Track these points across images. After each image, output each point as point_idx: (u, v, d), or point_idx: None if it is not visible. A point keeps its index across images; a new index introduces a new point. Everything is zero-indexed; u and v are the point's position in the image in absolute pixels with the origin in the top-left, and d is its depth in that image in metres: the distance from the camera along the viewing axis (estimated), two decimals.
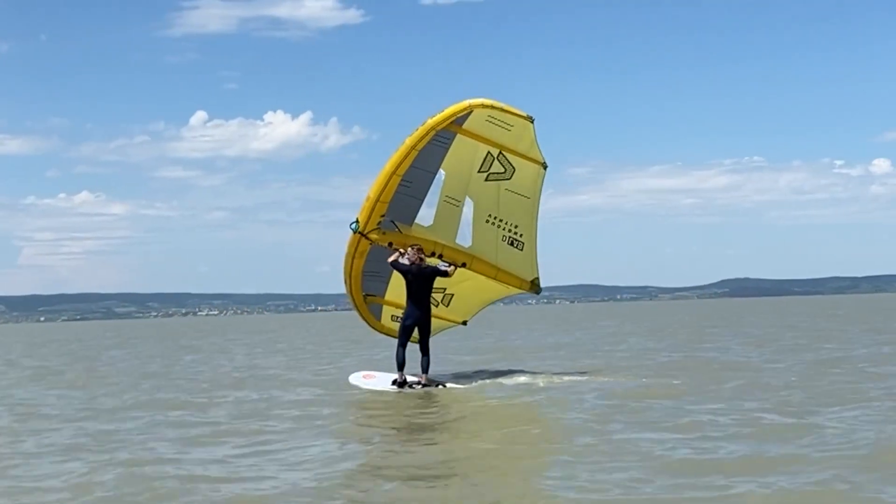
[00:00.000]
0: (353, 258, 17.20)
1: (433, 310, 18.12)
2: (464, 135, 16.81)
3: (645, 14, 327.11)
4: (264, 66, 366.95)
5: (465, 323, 18.96)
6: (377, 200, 16.66)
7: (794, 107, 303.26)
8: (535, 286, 17.98)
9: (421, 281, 16.47)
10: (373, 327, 18.73)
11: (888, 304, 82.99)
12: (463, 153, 17.01)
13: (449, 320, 18.64)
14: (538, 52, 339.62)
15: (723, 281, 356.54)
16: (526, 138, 16.89)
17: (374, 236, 16.82)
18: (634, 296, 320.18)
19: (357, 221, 16.74)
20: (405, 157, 16.48)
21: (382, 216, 16.79)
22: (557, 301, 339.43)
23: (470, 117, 16.53)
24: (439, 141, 16.73)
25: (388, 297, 18.11)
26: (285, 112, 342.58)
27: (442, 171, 17.29)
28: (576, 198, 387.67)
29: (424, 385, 16.74)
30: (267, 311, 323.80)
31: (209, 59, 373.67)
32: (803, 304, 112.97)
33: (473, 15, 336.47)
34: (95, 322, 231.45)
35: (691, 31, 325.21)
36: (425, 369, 16.84)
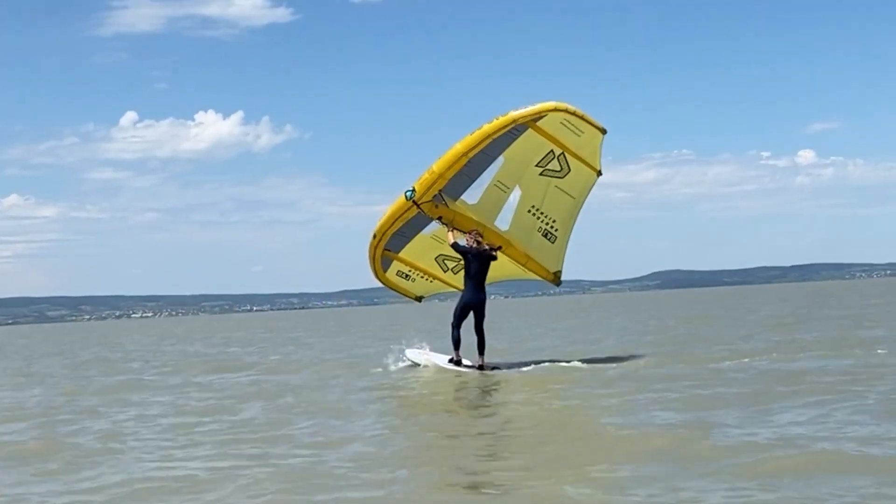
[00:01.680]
0: (395, 223, 18.11)
1: (442, 274, 19.50)
2: (536, 131, 17.41)
3: (570, 11, 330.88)
4: (195, 65, 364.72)
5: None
6: (440, 176, 17.30)
7: (722, 100, 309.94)
8: (556, 277, 18.94)
9: (480, 263, 17.29)
10: (377, 277, 19.58)
11: (835, 291, 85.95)
12: (528, 146, 17.62)
13: (452, 286, 19.51)
14: (468, 49, 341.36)
15: (654, 273, 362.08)
16: (591, 146, 17.60)
17: (426, 207, 17.54)
18: (568, 289, 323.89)
19: (414, 190, 17.38)
20: (480, 142, 17.15)
21: (440, 191, 17.48)
22: (493, 296, 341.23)
23: (547, 117, 17.17)
24: (511, 132, 17.37)
25: (402, 254, 19.14)
26: (217, 112, 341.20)
27: (502, 157, 17.91)
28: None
29: (480, 367, 17.53)
30: (202, 311, 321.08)
31: (139, 58, 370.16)
32: (735, 293, 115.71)
33: (403, 12, 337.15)
34: (27, 326, 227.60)
35: (619, 28, 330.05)
36: (481, 351, 17.60)
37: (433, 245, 19.07)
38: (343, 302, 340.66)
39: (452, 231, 17.59)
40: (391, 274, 19.61)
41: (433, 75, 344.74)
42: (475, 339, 17.59)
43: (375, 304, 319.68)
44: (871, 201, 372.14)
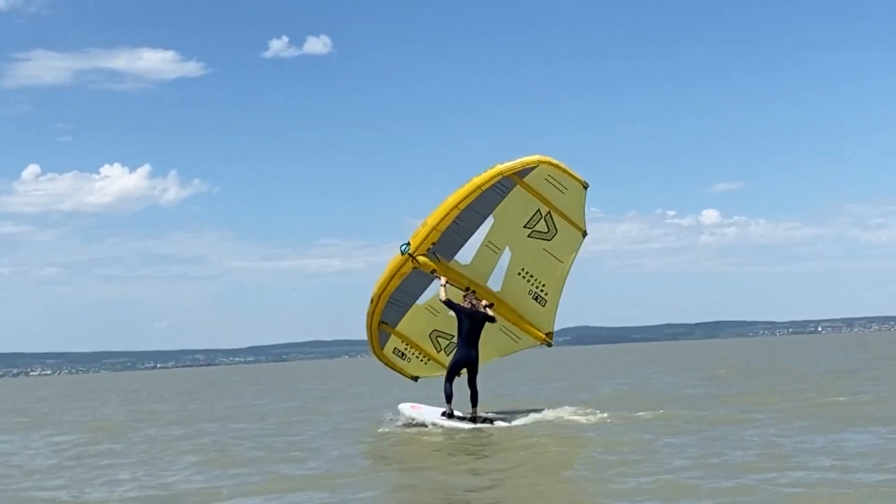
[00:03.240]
0: (392, 279, 18.24)
1: (435, 354, 19.50)
2: (523, 187, 17.86)
3: (477, 69, 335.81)
4: (101, 118, 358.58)
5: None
6: (434, 228, 17.77)
7: (628, 160, 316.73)
8: (548, 338, 19.12)
9: (472, 322, 17.61)
10: (375, 353, 19.66)
11: (745, 349, 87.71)
12: (516, 205, 18.06)
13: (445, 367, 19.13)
14: (381, 100, 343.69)
15: (564, 329, 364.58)
16: (576, 203, 18.05)
17: (422, 259, 17.89)
18: None
19: (409, 244, 17.87)
20: (470, 194, 17.63)
21: (433, 244, 17.89)
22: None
23: (533, 172, 17.68)
24: (499, 188, 17.82)
25: (398, 328, 19.20)
26: (123, 165, 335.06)
27: (492, 217, 18.29)
28: None
29: (473, 419, 17.79)
30: (103, 369, 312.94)
31: (42, 111, 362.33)
32: (641, 350, 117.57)
33: (315, 68, 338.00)
34: None
35: (532, 86, 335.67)
36: (474, 403, 17.94)
37: (428, 318, 19.14)
38: (251, 358, 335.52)
39: (445, 286, 17.85)
40: (388, 351, 19.57)
41: (346, 129, 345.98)
42: (468, 391, 17.93)
43: (284, 360, 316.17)
44: (772, 260, 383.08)
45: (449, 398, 17.92)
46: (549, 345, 19.14)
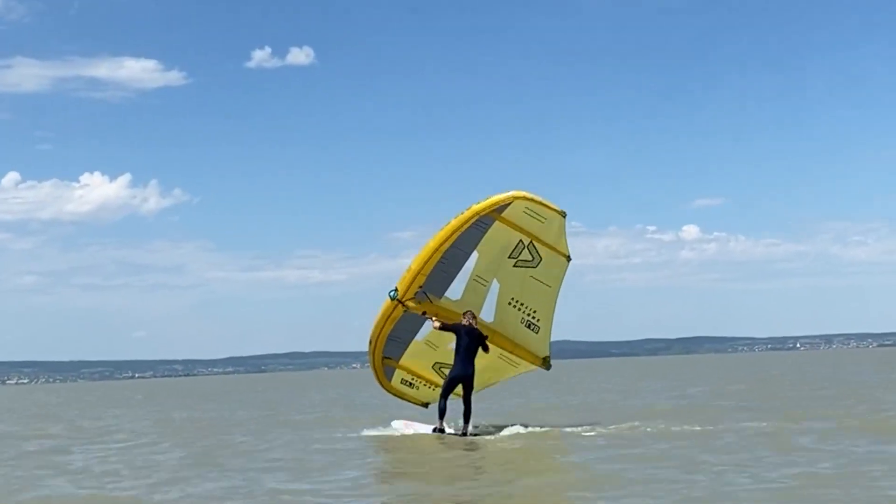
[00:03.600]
0: (385, 324, 18.77)
1: (441, 382, 19.53)
2: (502, 223, 18.26)
3: (459, 83, 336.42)
4: (81, 126, 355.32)
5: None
6: (418, 273, 18.24)
7: (610, 174, 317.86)
8: (546, 362, 19.41)
9: (470, 339, 17.97)
10: (383, 387, 20.22)
11: (726, 363, 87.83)
12: (498, 238, 18.48)
13: (455, 394, 19.47)
14: (363, 112, 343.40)
15: None
16: (556, 231, 18.42)
17: (410, 304, 18.37)
18: None
19: (396, 290, 18.35)
20: (448, 237, 18.05)
21: (420, 287, 18.34)
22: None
23: (510, 207, 18.01)
24: (479, 225, 18.23)
25: (402, 361, 19.66)
26: (103, 174, 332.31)
27: (476, 253, 18.77)
28: (400, 261, 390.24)
29: (463, 434, 18.21)
30: (81, 378, 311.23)
31: (22, 119, 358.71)
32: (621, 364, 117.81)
33: (298, 79, 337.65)
34: None
35: (497, 100, 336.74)
36: (467, 419, 18.30)
37: (428, 352, 19.57)
38: (229, 369, 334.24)
39: (435, 319, 18.32)
40: (396, 382, 20.08)
41: (327, 142, 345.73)
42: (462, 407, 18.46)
43: (263, 371, 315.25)
44: (752, 276, 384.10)
45: (441, 414, 18.43)
46: (548, 368, 19.40)
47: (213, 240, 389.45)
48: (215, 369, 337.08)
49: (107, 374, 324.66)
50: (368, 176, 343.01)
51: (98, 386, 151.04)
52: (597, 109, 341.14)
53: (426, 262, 18.16)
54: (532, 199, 17.97)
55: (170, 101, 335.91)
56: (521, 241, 18.40)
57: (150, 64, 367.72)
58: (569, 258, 18.71)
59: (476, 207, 17.88)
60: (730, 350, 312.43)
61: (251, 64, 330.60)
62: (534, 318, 18.94)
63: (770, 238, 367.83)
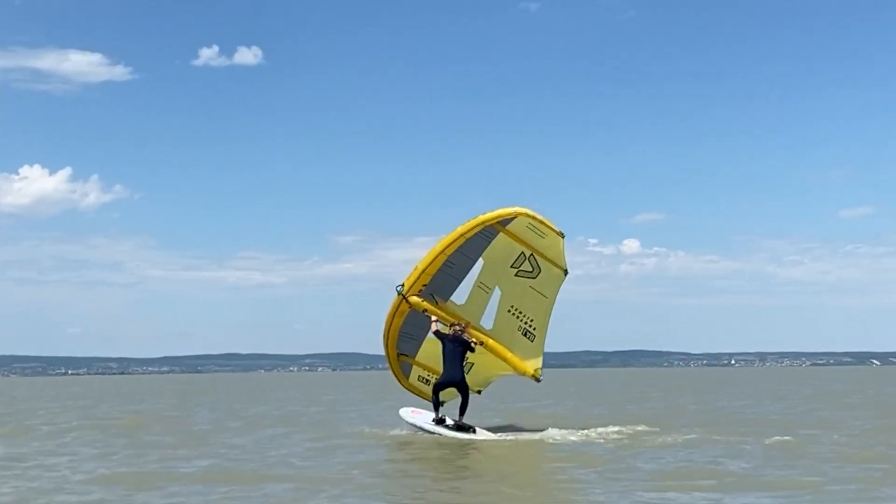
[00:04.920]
0: (394, 317, 20.01)
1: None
2: (506, 234, 19.62)
3: (406, 86, 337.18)
4: (23, 118, 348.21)
5: (479, 392, 21.40)
6: (423, 272, 19.49)
7: (554, 186, 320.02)
8: (536, 374, 20.47)
9: (455, 346, 19.23)
10: (401, 384, 21.50)
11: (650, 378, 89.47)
12: (501, 249, 19.82)
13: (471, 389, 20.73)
14: (308, 119, 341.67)
15: None
16: (555, 248, 19.77)
17: (413, 300, 19.56)
18: None
19: (402, 285, 19.57)
20: (454, 241, 19.35)
21: (424, 286, 19.58)
22: (320, 369, 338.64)
23: (514, 221, 19.37)
24: (484, 234, 19.56)
25: (418, 358, 20.94)
26: (43, 167, 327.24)
27: (481, 260, 20.10)
28: (341, 266, 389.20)
29: (458, 426, 19.43)
30: (13, 373, 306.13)
31: None
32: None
33: (245, 78, 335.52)
34: None
35: (444, 104, 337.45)
36: (462, 412, 19.56)
37: (440, 347, 20.17)
38: (165, 369, 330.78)
39: (435, 321, 19.56)
40: (413, 379, 21.31)
41: (273, 144, 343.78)
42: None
43: (199, 371, 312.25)
44: (690, 292, 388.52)
45: (436, 407, 19.68)
46: (538, 380, 20.46)
47: (154, 237, 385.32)
48: (151, 368, 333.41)
49: (39, 369, 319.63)
50: (312, 178, 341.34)
51: (39, 382, 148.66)
52: (542, 122, 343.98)
53: (431, 263, 19.31)
54: (534, 217, 19.24)
55: (114, 96, 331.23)
56: (522, 252, 19.70)
57: (96, 58, 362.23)
58: (566, 272, 19.95)
59: (482, 217, 19.14)
60: (665, 364, 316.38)
61: (198, 62, 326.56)
62: (531, 326, 20.12)
63: (709, 255, 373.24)
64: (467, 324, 19.55)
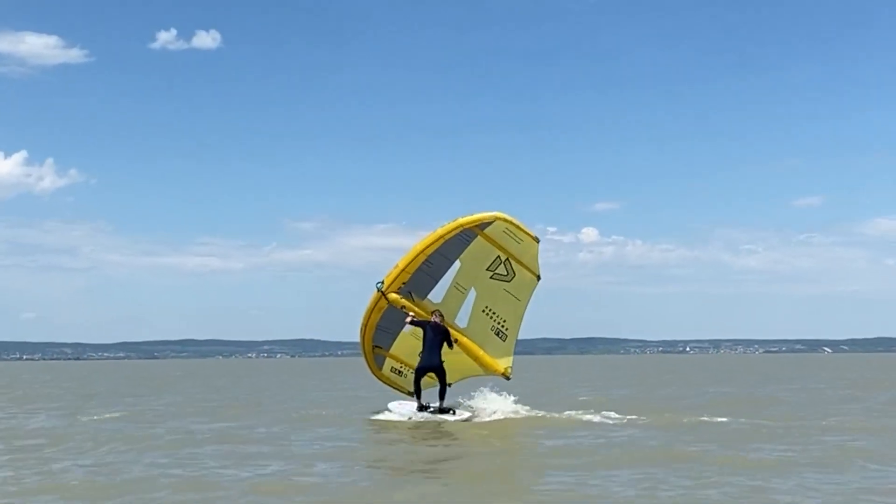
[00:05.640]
0: (372, 312, 20.95)
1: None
2: (483, 238, 20.54)
3: (376, 81, 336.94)
4: None
5: (449, 385, 21.86)
6: (403, 270, 20.41)
7: (512, 175, 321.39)
8: (506, 373, 21.44)
9: (434, 333, 20.15)
10: (374, 374, 22.40)
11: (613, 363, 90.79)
12: (479, 252, 20.75)
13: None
14: (267, 104, 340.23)
15: None
16: (530, 253, 20.76)
17: (392, 297, 20.49)
18: (354, 351, 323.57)
19: (382, 282, 20.46)
20: (433, 242, 20.28)
21: (403, 283, 20.49)
22: (279, 355, 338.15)
23: (492, 225, 20.30)
24: (463, 237, 20.50)
25: (392, 351, 21.91)
26: None
27: (458, 262, 21.02)
28: (301, 252, 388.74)
29: (440, 409, 20.41)
30: None
31: None
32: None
33: (203, 62, 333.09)
34: None
35: (404, 96, 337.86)
36: (441, 397, 20.61)
37: (413, 342, 21.41)
38: (121, 354, 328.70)
39: (410, 315, 20.38)
40: (386, 370, 22.20)
41: (232, 130, 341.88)
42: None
43: (155, 357, 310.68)
44: (646, 280, 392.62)
45: (418, 394, 20.67)
46: (508, 378, 21.46)
47: (110, 222, 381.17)
48: (106, 354, 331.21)
49: None
50: (271, 164, 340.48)
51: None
52: (502, 111, 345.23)
53: (411, 262, 20.23)
54: (511, 222, 20.21)
55: (70, 79, 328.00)
56: (498, 256, 20.65)
57: (52, 40, 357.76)
58: (538, 277, 20.93)
59: (461, 220, 20.08)
60: (622, 351, 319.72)
61: (155, 45, 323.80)
62: (503, 326, 21.14)
63: (665, 244, 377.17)
64: (443, 317, 20.36)
